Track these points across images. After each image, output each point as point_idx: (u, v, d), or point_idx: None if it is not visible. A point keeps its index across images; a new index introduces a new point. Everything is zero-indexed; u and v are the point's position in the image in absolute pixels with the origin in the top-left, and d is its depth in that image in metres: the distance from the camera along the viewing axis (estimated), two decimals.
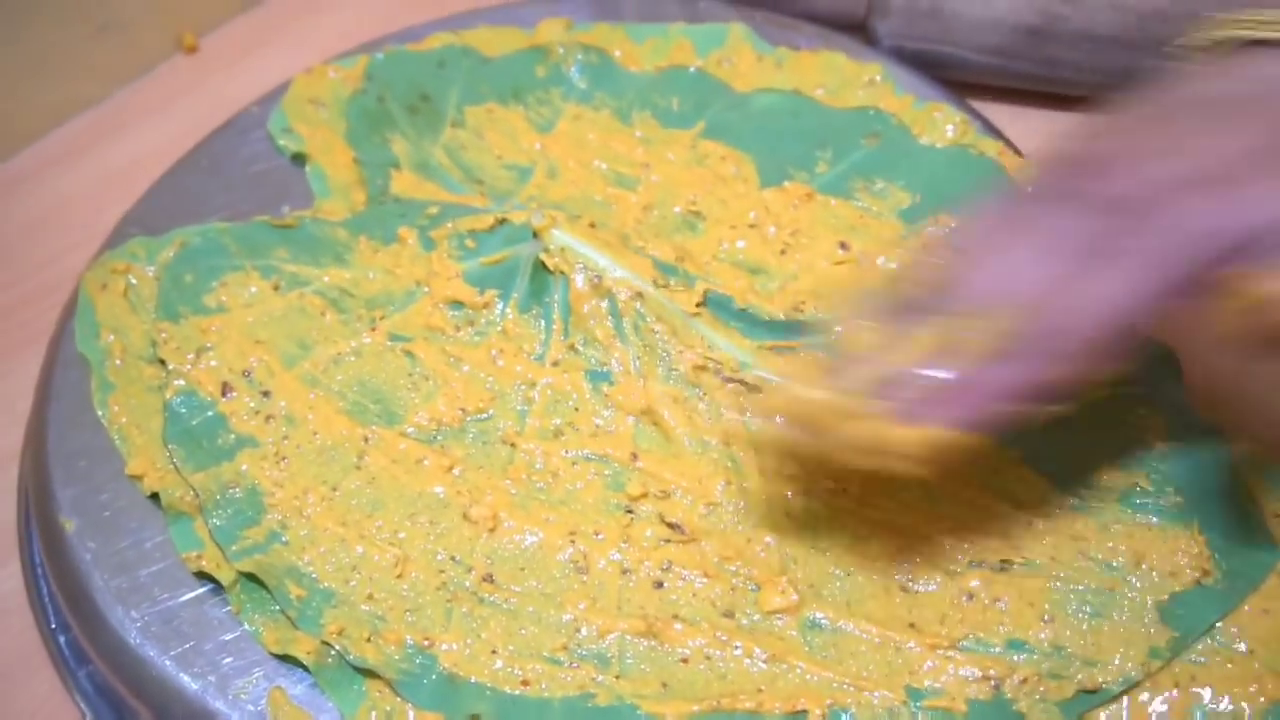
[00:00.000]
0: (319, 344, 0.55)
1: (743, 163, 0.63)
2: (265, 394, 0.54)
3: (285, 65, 0.69)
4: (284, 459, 0.52)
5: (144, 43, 0.70)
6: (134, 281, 0.58)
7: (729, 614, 0.49)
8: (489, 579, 0.49)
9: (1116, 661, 0.47)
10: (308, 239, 0.59)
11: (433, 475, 0.52)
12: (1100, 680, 0.47)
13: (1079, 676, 0.47)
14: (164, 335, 0.55)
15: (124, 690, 0.49)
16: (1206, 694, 0.46)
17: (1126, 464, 0.52)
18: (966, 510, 0.51)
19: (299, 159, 0.63)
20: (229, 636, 0.49)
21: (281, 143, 0.64)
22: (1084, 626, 0.48)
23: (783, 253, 0.59)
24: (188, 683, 0.48)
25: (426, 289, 0.56)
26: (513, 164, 0.63)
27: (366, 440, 0.53)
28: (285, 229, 0.59)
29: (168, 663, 0.48)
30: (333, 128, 0.64)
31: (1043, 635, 0.48)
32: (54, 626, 0.52)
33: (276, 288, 0.57)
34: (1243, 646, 0.47)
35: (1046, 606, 0.48)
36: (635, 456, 0.52)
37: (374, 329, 0.56)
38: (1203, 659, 0.47)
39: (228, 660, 0.48)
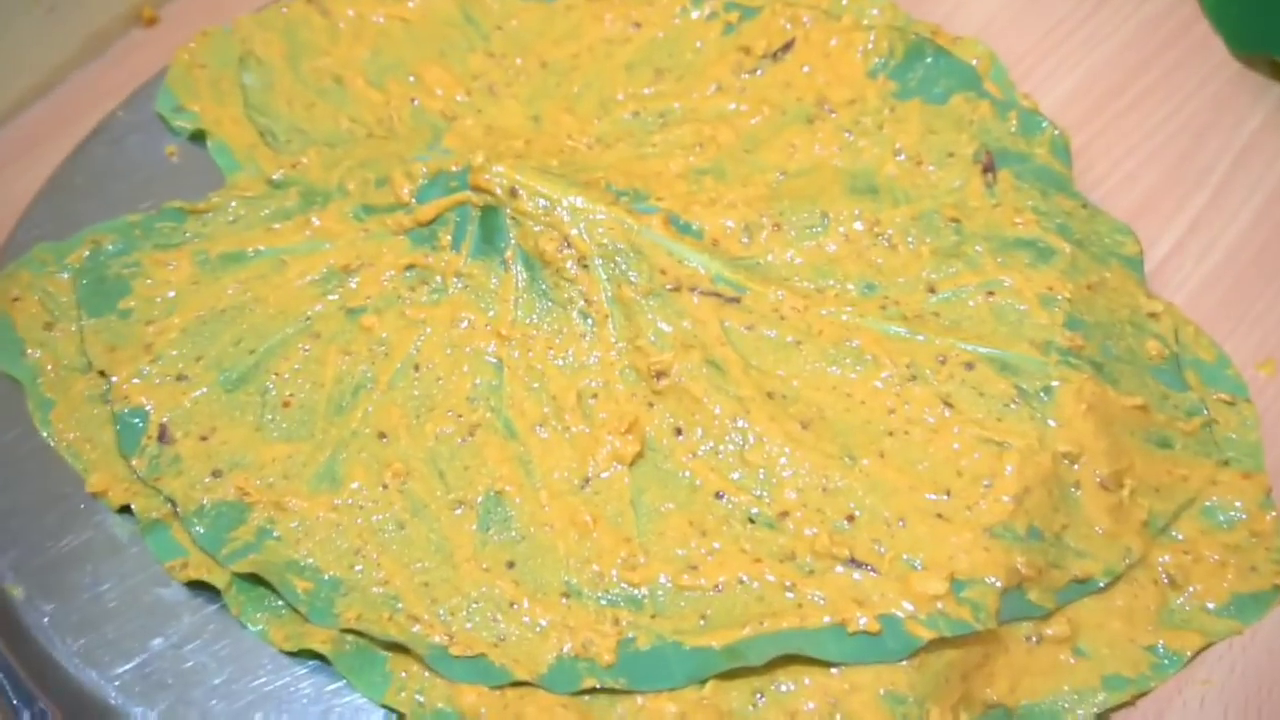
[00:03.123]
0: (264, 335, 0.51)
1: None
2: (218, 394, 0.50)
3: None
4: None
5: (99, 19, 0.66)
6: (49, 290, 0.53)
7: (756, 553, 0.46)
8: (511, 565, 0.46)
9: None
10: (230, 219, 0.55)
11: (421, 446, 0.49)
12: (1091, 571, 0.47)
13: (1073, 568, 0.47)
14: (95, 341, 0.51)
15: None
16: None
17: None
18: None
19: (198, 137, 0.58)
20: (215, 681, 0.45)
21: (176, 124, 0.59)
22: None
23: (748, 152, 0.55)
24: None
25: (372, 265, 0.52)
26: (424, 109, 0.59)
27: (340, 410, 0.50)
28: (203, 213, 0.55)
29: (156, 719, 0.44)
30: (225, 97, 0.59)
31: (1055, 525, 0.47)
32: (15, 704, 0.48)
33: (204, 271, 0.53)
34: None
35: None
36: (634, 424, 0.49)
37: (322, 303, 0.52)
38: None
39: (219, 705, 0.45)
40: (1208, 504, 0.50)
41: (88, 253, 0.54)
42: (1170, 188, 0.60)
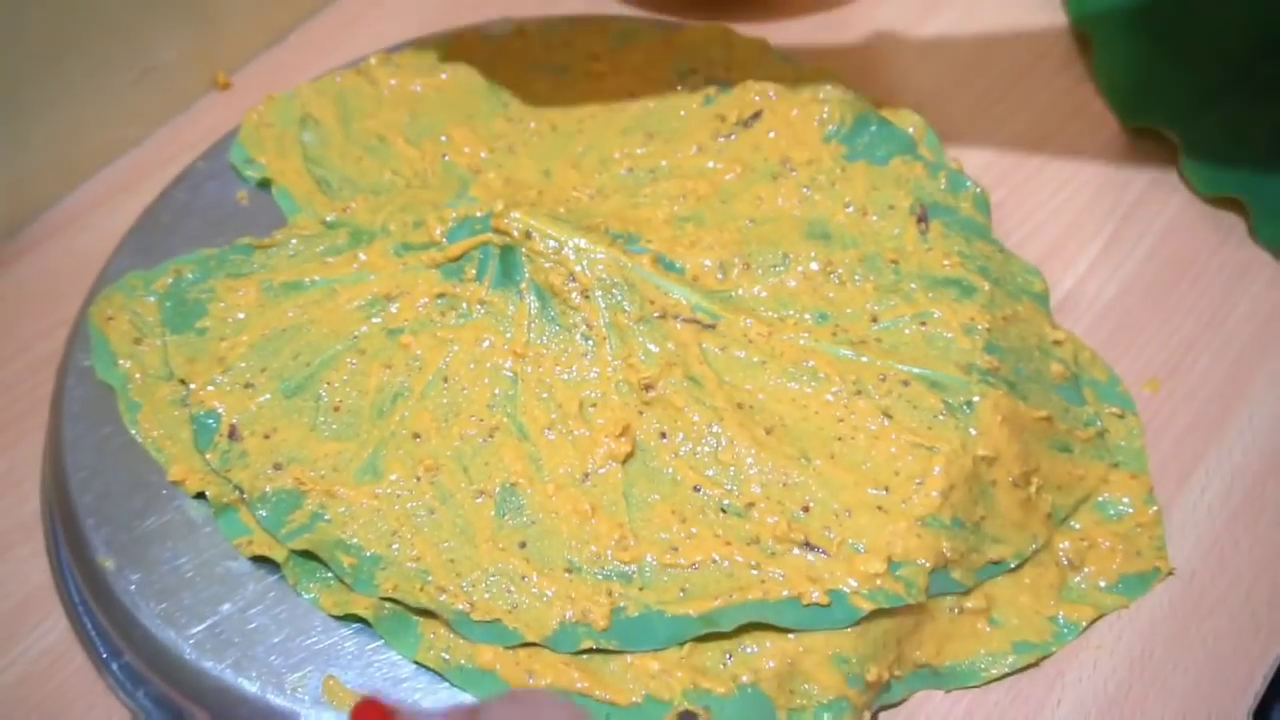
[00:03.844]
0: (318, 351, 0.51)
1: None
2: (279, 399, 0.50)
3: None
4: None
5: (181, 84, 0.67)
6: (138, 311, 0.53)
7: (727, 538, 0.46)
8: (523, 545, 0.46)
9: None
10: (290, 253, 0.55)
11: (446, 447, 0.49)
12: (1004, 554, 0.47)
13: (990, 552, 0.47)
14: (177, 354, 0.51)
15: (188, 701, 0.45)
16: None
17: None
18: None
19: (265, 185, 0.58)
20: (275, 639, 0.45)
21: (247, 173, 0.59)
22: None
23: (723, 202, 0.55)
24: (246, 686, 0.44)
25: (409, 294, 0.52)
26: (454, 164, 0.59)
27: (381, 414, 0.50)
28: (268, 248, 0.55)
29: (225, 671, 0.44)
30: (288, 151, 0.59)
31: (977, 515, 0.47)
32: (105, 656, 0.48)
33: (269, 297, 0.53)
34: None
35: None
36: (636, 417, 0.49)
37: (367, 324, 0.52)
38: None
39: (277, 660, 0.45)
40: (1100, 499, 0.50)
41: (170, 280, 0.54)
42: (1071, 236, 0.61)
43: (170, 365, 0.51)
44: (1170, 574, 0.49)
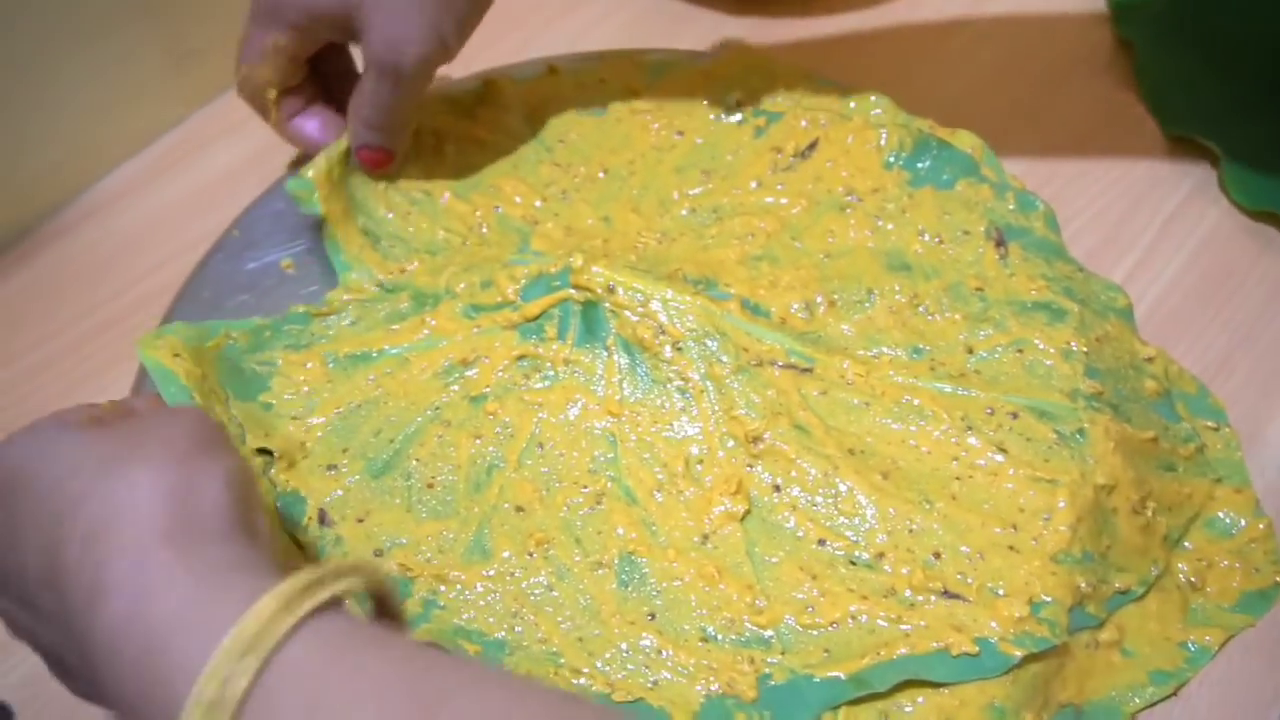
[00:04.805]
0: (399, 426, 0.49)
1: None
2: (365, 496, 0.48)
3: None
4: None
5: (220, 67, 0.65)
6: (193, 362, 0.49)
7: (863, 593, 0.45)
8: (652, 617, 0.45)
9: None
10: (349, 321, 0.53)
11: (551, 519, 0.47)
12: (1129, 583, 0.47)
13: (1116, 582, 0.47)
14: (251, 424, 0.48)
15: None
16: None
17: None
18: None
19: (317, 225, 0.55)
20: None
21: (306, 205, 0.54)
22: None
23: (793, 239, 0.54)
24: None
25: (487, 358, 0.50)
26: (508, 216, 0.57)
27: (478, 488, 0.48)
28: (324, 316, 0.53)
29: None
30: (338, 188, 0.55)
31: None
32: None
33: (336, 370, 0.51)
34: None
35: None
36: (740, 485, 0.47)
37: (447, 394, 0.50)
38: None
39: None
40: (1210, 517, 0.50)
41: (223, 342, 0.51)
42: (1110, 245, 0.61)
43: (246, 433, 0.48)
44: None
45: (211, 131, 0.67)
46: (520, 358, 0.50)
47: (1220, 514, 0.50)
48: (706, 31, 0.70)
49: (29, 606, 0.36)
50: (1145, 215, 0.62)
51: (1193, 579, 0.49)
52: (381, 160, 0.55)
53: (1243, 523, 0.50)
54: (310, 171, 0.54)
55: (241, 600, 0.30)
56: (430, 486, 0.48)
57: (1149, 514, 0.48)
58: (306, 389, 0.50)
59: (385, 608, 0.35)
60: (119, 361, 0.56)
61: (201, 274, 0.56)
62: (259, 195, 0.59)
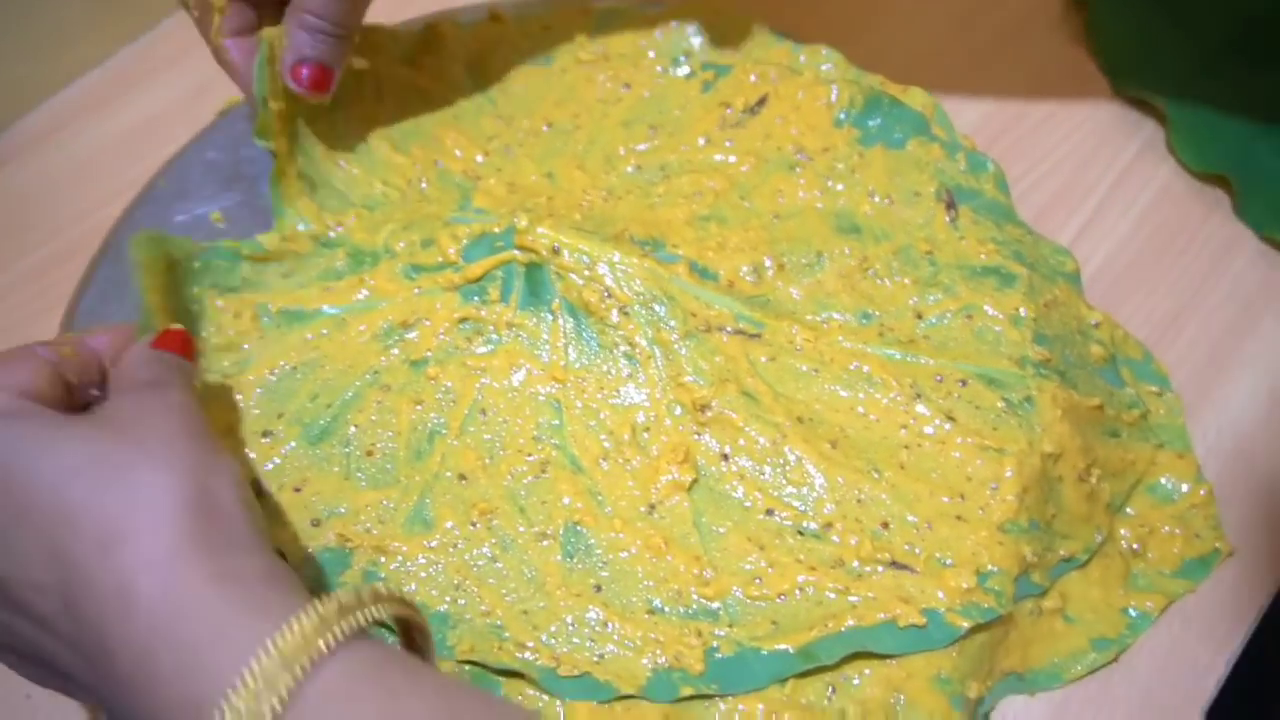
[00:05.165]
0: (337, 390, 0.48)
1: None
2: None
3: None
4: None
5: (148, 2, 0.65)
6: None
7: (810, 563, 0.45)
8: (598, 589, 0.44)
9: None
10: (283, 273, 0.51)
11: (497, 484, 0.46)
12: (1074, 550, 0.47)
13: (1060, 549, 0.47)
14: None
15: None
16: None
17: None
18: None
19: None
20: None
21: (263, 124, 0.51)
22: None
23: (742, 198, 0.53)
24: None
25: (428, 320, 0.49)
26: (449, 170, 0.55)
27: (419, 456, 0.47)
28: (258, 262, 0.51)
29: None
30: (290, 126, 0.52)
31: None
32: None
33: (269, 327, 0.49)
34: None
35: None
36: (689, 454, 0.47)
37: (386, 357, 0.49)
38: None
39: None
40: (1152, 483, 0.51)
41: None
42: (1060, 204, 0.61)
43: None
44: (1230, 554, 0.49)
45: (137, 71, 0.65)
46: (462, 320, 0.49)
47: (1162, 479, 0.51)
48: None
49: (17, 609, 0.34)
50: (1094, 175, 0.62)
51: (1134, 545, 0.49)
52: (321, 79, 0.49)
53: (1184, 488, 0.50)
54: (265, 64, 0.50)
55: (278, 618, 0.31)
56: (369, 454, 0.47)
57: (1094, 481, 0.48)
58: (243, 345, 0.49)
59: (414, 639, 0.36)
60: (40, 317, 0.55)
61: (126, 226, 0.54)
62: (188, 142, 0.57)
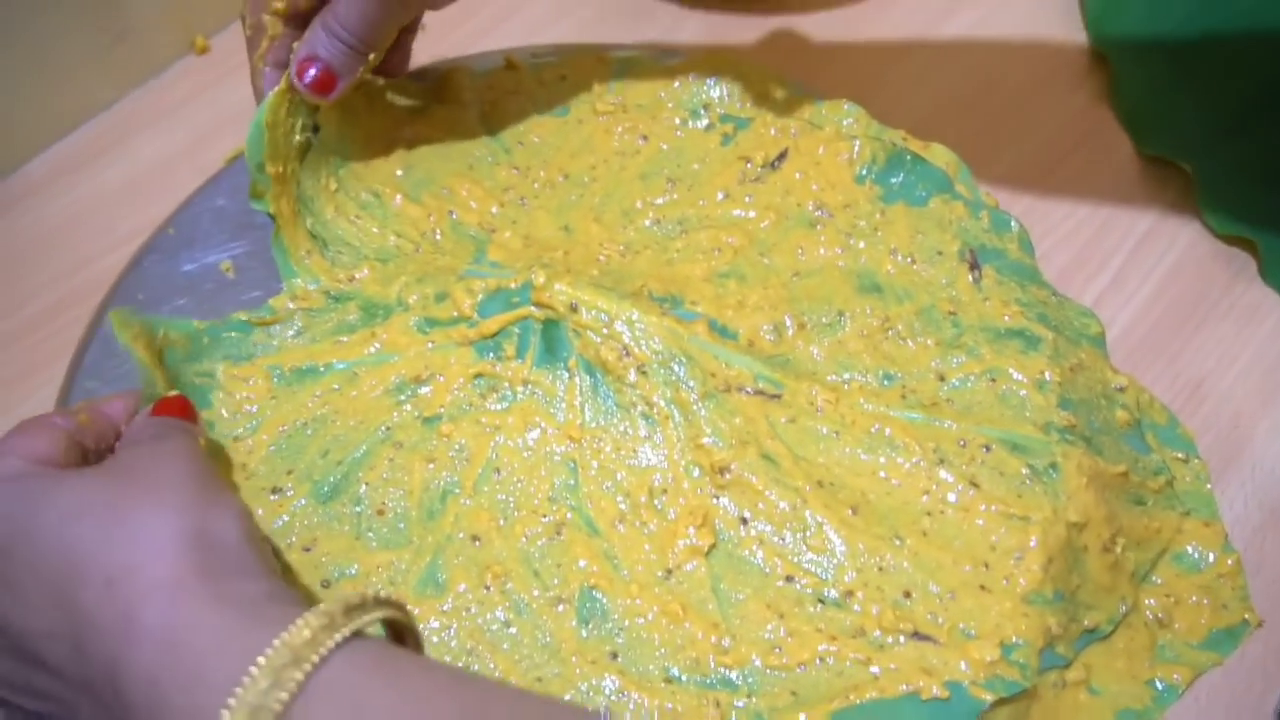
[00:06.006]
0: (348, 447, 0.48)
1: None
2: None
3: None
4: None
5: (157, 47, 0.65)
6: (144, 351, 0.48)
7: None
8: (614, 656, 0.44)
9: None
10: (293, 331, 0.51)
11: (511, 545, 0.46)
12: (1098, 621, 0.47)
13: (1085, 620, 0.47)
14: None
15: None
16: None
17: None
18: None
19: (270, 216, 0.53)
20: None
21: (258, 187, 0.52)
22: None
23: (761, 255, 0.54)
24: None
25: (441, 376, 0.49)
26: (463, 222, 0.55)
27: (432, 516, 0.47)
28: (268, 325, 0.51)
29: None
30: (289, 172, 0.53)
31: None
32: None
33: (281, 386, 0.49)
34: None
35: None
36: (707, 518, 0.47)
37: (398, 412, 0.49)
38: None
39: None
40: (1178, 552, 0.50)
41: (165, 345, 0.49)
42: (1080, 266, 0.60)
43: None
44: (1259, 626, 0.49)
45: (144, 116, 0.65)
46: (477, 376, 0.49)
47: (1189, 548, 0.50)
48: (667, 27, 0.69)
49: (29, 660, 0.35)
50: (1117, 236, 0.62)
51: (1160, 615, 0.49)
52: (325, 83, 0.50)
53: (1211, 557, 0.50)
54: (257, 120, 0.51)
55: (280, 624, 0.32)
56: (381, 513, 0.46)
57: (1119, 551, 0.48)
58: (250, 406, 0.49)
59: (408, 646, 0.37)
60: (44, 365, 0.55)
61: (135, 274, 0.54)
62: (196, 189, 0.57)
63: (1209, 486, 0.52)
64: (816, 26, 0.70)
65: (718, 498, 0.47)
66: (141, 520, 0.35)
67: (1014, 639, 0.44)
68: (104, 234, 0.59)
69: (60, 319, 0.56)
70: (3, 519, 0.36)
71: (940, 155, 0.57)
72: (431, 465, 0.47)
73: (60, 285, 0.58)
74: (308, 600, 0.43)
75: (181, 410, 0.44)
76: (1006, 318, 0.52)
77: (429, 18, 0.55)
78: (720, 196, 0.56)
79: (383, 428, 0.48)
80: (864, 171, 0.56)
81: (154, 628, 0.33)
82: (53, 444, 0.39)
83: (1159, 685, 0.47)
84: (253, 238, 0.54)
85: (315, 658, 0.31)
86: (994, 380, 0.50)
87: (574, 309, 0.49)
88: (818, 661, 0.43)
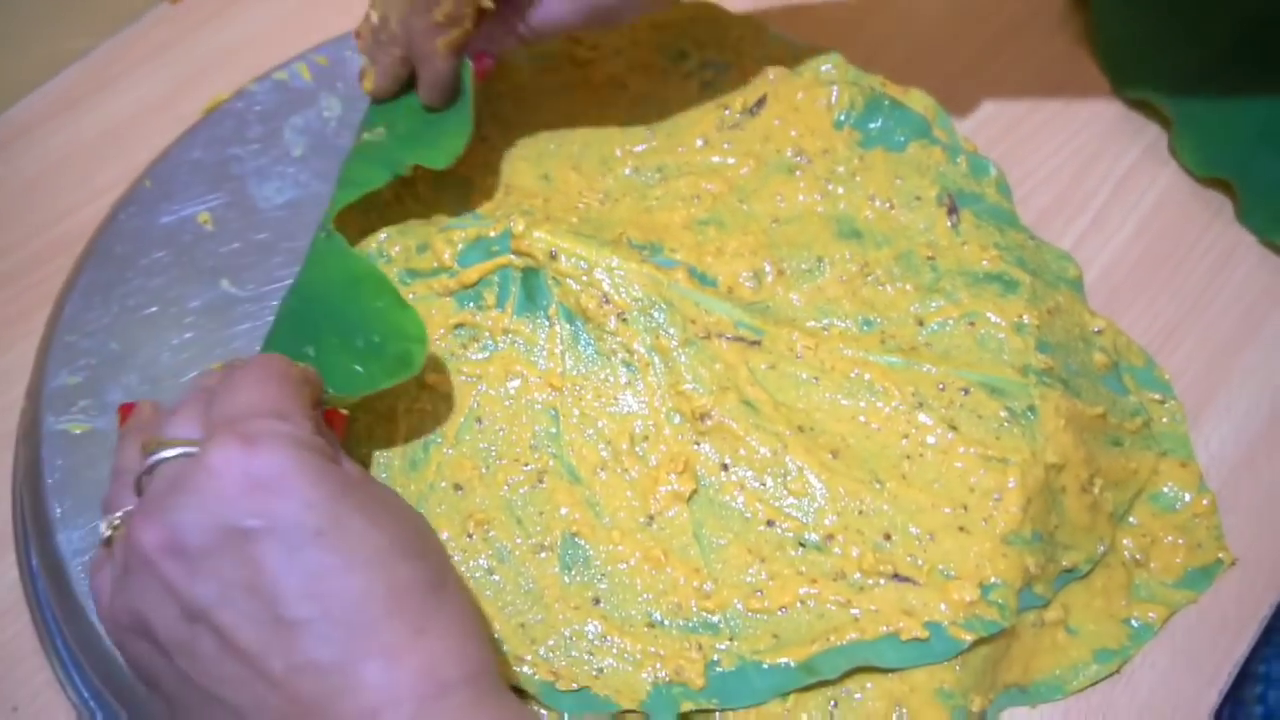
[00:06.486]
0: None
1: None
2: None
3: (271, 13, 0.67)
4: None
5: None
6: None
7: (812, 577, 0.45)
8: (597, 602, 0.45)
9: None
10: None
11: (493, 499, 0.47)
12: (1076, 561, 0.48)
13: (1063, 560, 0.48)
14: None
15: (108, 693, 0.44)
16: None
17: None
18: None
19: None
20: None
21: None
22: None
23: (741, 201, 0.54)
24: None
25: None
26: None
27: (415, 465, 0.48)
28: None
29: None
30: None
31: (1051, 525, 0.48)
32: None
33: None
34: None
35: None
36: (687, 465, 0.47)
37: None
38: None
39: None
40: (1154, 492, 0.51)
41: None
42: (1061, 208, 0.61)
43: None
44: (1233, 564, 0.50)
45: (117, 67, 0.65)
46: (457, 326, 0.49)
47: (1165, 488, 0.51)
48: None
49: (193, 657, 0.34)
50: (1096, 178, 0.62)
51: (1137, 555, 0.50)
52: (487, 71, 0.52)
53: (1187, 497, 0.51)
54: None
55: None
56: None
57: (1096, 491, 0.49)
58: None
59: None
60: (23, 317, 0.55)
61: (112, 227, 0.54)
62: (174, 140, 0.57)
63: (1185, 428, 0.53)
64: None
65: (698, 444, 0.47)
66: (370, 652, 0.33)
67: (993, 579, 0.45)
68: (82, 185, 0.59)
69: (36, 273, 0.57)
70: (247, 529, 0.34)
71: (918, 100, 0.57)
72: (414, 415, 0.48)
73: (38, 238, 0.58)
74: None
75: (340, 427, 0.43)
76: (984, 262, 0.52)
77: None
78: (699, 143, 0.56)
79: None
80: (842, 117, 0.56)
81: None
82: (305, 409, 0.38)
83: (1135, 623, 0.48)
84: (230, 189, 0.55)
85: None
86: (972, 324, 0.50)
87: (553, 256, 0.49)
88: (799, 604, 0.44)
